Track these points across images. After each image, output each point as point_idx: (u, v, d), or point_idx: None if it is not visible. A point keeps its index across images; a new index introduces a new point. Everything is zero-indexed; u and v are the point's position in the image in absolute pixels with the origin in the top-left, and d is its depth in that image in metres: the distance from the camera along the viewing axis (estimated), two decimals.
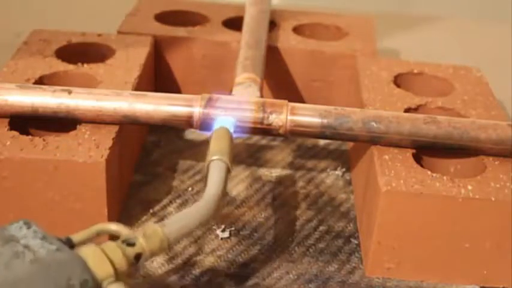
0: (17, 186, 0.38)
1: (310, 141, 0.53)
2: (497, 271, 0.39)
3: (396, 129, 0.40)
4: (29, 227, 0.29)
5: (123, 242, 0.31)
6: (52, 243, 0.29)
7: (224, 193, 0.35)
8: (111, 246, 0.30)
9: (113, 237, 0.32)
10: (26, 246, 0.28)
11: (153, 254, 0.31)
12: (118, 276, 0.29)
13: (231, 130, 0.39)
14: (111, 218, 0.40)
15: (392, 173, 0.39)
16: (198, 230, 0.34)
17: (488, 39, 0.76)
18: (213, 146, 0.37)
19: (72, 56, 0.49)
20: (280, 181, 0.48)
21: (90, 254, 0.29)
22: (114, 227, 0.32)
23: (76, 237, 0.31)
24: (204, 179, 0.36)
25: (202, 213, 0.33)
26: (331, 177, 0.49)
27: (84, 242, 0.31)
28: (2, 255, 0.27)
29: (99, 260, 0.29)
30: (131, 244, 0.31)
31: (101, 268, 0.29)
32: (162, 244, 0.31)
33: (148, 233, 0.31)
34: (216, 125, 0.40)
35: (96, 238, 0.32)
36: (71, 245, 0.30)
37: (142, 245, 0.31)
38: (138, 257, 0.31)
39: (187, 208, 0.34)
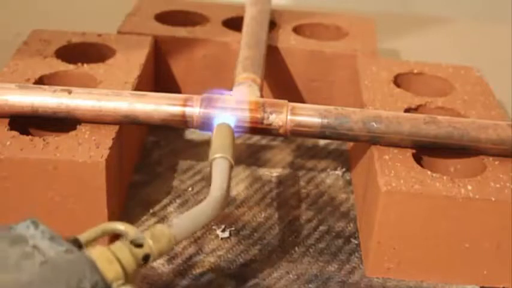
0: (17, 186, 0.38)
1: (310, 141, 0.53)
2: (497, 271, 0.39)
3: (396, 129, 0.40)
4: (36, 227, 0.29)
5: (131, 242, 0.31)
6: (61, 244, 0.29)
7: (228, 191, 0.35)
8: (119, 248, 0.30)
9: (115, 237, 0.32)
10: (35, 247, 0.28)
11: (161, 254, 0.31)
12: (127, 276, 0.29)
13: (232, 125, 0.39)
14: (111, 218, 0.40)
15: (392, 173, 0.39)
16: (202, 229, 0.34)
17: (488, 39, 0.76)
18: (215, 142, 0.37)
19: (72, 56, 0.49)
20: (280, 181, 0.48)
21: (99, 255, 0.29)
22: (121, 226, 0.32)
23: (83, 237, 0.31)
24: (208, 177, 0.36)
25: (208, 213, 0.34)
26: (331, 177, 0.49)
27: (91, 241, 0.31)
28: (11, 256, 0.27)
29: (108, 261, 0.29)
30: (139, 245, 0.31)
31: (110, 269, 0.29)
32: (170, 244, 0.32)
33: (156, 234, 0.31)
34: (216, 121, 0.40)
35: (102, 237, 0.32)
36: (78, 245, 0.30)
37: (151, 246, 0.31)
38: (146, 257, 0.31)
39: (193, 208, 0.34)
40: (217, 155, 0.36)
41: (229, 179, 0.36)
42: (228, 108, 0.41)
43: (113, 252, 0.30)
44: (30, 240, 0.29)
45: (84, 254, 0.29)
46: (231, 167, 0.36)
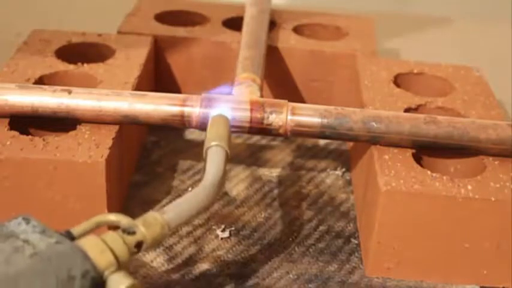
0: (17, 186, 0.38)
1: (310, 141, 0.53)
2: (497, 271, 0.39)
3: (396, 129, 0.40)
4: (28, 222, 0.29)
5: (124, 231, 0.30)
6: (51, 236, 0.29)
7: (223, 177, 0.35)
8: (111, 236, 0.30)
9: (114, 228, 0.32)
10: (26, 241, 0.28)
11: (155, 241, 0.31)
12: (120, 265, 0.29)
13: (229, 116, 0.39)
14: None
15: (392, 173, 0.39)
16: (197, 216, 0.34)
17: (488, 39, 0.76)
18: (210, 132, 0.37)
19: (72, 56, 0.49)
20: (280, 181, 0.48)
21: (90, 244, 0.29)
22: (114, 217, 0.31)
23: (76, 230, 0.30)
24: (203, 165, 0.36)
25: (202, 199, 0.33)
26: (331, 177, 0.49)
27: (84, 235, 0.31)
28: (2, 251, 0.27)
29: (99, 249, 0.29)
30: (132, 233, 0.30)
31: (101, 258, 0.29)
32: (163, 230, 0.31)
33: (148, 221, 0.31)
34: (213, 113, 0.40)
35: (96, 230, 0.31)
36: (71, 237, 0.30)
37: (143, 233, 0.31)
38: (139, 245, 0.30)
39: (186, 194, 0.33)
40: (212, 143, 0.36)
41: (225, 166, 0.35)
42: (228, 108, 0.40)
43: (105, 241, 0.29)
44: (21, 235, 0.28)
45: (75, 244, 0.29)
46: (227, 156, 0.36)
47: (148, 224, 0.31)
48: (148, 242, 0.31)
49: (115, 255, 0.29)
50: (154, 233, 0.31)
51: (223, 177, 0.35)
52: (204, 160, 0.36)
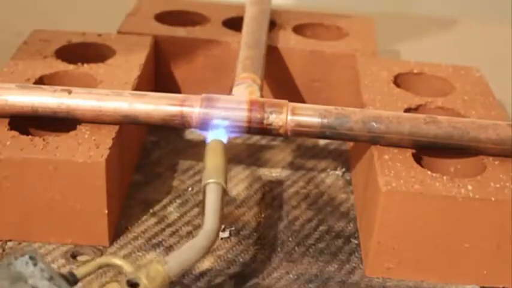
0: (17, 186, 0.38)
1: (310, 141, 0.53)
2: (497, 271, 0.39)
3: (396, 129, 0.40)
4: (35, 264, 0.29)
5: (127, 282, 0.31)
6: (59, 285, 0.29)
7: (220, 223, 0.35)
8: None
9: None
10: None
11: None
12: None
13: (225, 141, 0.39)
14: (111, 218, 0.40)
15: (392, 173, 0.39)
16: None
17: (488, 39, 0.76)
18: (208, 164, 0.37)
19: (72, 56, 0.49)
20: (280, 181, 0.48)
21: None
22: (118, 262, 0.32)
23: (79, 272, 0.31)
24: (202, 203, 0.36)
25: (202, 247, 0.34)
26: (331, 177, 0.49)
27: (86, 276, 0.31)
28: None
29: None
30: (134, 285, 0.31)
31: None
32: (164, 282, 0.32)
33: (151, 274, 0.32)
34: (209, 137, 0.40)
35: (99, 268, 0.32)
36: (74, 279, 0.31)
37: (146, 286, 0.31)
38: None
39: (187, 243, 0.34)
40: (210, 180, 0.36)
41: (222, 206, 0.36)
42: (228, 108, 0.41)
43: None
44: (29, 279, 0.29)
45: None
46: (224, 192, 0.36)
47: (152, 278, 0.32)
48: None
49: None
50: (156, 285, 0.32)
51: (221, 222, 0.35)
52: (203, 196, 0.36)
